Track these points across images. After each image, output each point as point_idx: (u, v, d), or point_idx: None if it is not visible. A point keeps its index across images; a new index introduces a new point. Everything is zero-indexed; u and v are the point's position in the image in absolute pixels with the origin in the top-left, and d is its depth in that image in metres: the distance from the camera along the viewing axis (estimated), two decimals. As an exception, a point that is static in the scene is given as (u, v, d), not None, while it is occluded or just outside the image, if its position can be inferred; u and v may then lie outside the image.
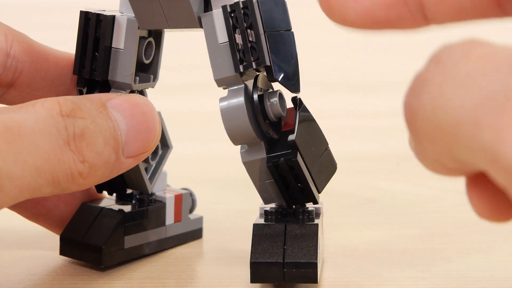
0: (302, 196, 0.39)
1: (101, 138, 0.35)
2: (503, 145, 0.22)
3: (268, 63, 0.37)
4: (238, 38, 0.37)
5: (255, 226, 0.38)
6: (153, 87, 0.42)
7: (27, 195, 0.33)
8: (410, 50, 1.06)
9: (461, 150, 0.24)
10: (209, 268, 0.42)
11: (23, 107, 0.34)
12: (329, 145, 0.40)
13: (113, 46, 0.40)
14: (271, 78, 0.37)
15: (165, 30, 0.41)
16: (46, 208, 0.42)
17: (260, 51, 0.37)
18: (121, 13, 0.40)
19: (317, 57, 1.06)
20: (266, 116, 0.38)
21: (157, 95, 0.43)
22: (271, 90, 0.39)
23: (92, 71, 0.40)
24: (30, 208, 0.42)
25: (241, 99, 0.38)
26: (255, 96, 0.38)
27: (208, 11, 0.38)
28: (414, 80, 0.26)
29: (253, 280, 0.37)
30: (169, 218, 0.44)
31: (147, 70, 0.41)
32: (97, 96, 0.37)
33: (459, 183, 0.28)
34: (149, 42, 0.41)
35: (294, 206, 0.39)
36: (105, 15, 0.40)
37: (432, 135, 0.25)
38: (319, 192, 0.40)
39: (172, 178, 0.45)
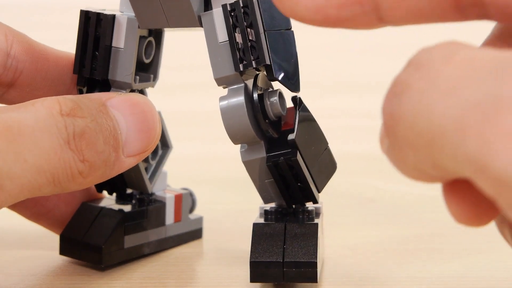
0: (302, 196, 0.39)
1: (101, 137, 0.35)
2: (492, 155, 0.22)
3: (268, 62, 0.37)
4: (238, 37, 0.37)
5: (255, 225, 0.38)
6: (153, 87, 0.42)
7: (27, 194, 0.33)
8: (411, 50, 1.06)
9: (445, 158, 0.23)
10: (209, 268, 0.42)
11: (23, 106, 0.34)
12: (329, 145, 0.40)
13: (113, 45, 0.40)
14: (271, 77, 0.37)
15: (165, 29, 0.41)
16: (46, 208, 0.42)
17: (260, 50, 0.37)
18: (121, 12, 0.40)
19: (317, 58, 1.06)
20: (266, 115, 0.38)
21: (157, 95, 0.43)
22: (271, 89, 0.39)
23: (92, 70, 0.40)
24: (30, 207, 0.42)
25: (241, 98, 0.38)
26: (255, 95, 0.38)
27: (208, 10, 0.38)
28: (393, 84, 0.25)
29: (253, 279, 0.37)
30: (169, 218, 0.44)
31: (147, 69, 0.41)
32: (97, 95, 0.37)
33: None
34: (149, 42, 0.41)
35: (294, 206, 0.39)
36: (105, 14, 0.40)
37: (413, 142, 0.24)
38: (319, 192, 0.40)
39: (172, 178, 0.45)
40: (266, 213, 0.39)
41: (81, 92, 0.41)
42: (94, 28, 0.40)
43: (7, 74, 0.40)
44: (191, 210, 0.45)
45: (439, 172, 0.24)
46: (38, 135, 0.33)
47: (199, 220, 0.46)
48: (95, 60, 0.40)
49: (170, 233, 0.44)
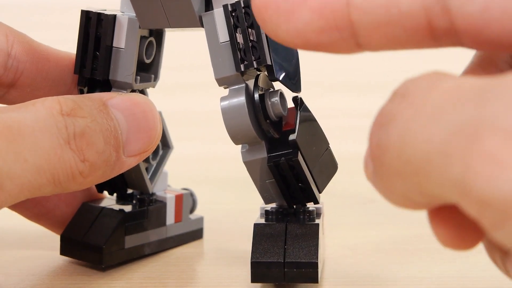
0: (303, 196, 0.39)
1: (102, 137, 0.35)
2: (474, 177, 0.22)
3: (269, 62, 0.37)
4: (239, 37, 0.37)
5: (256, 226, 0.38)
6: (154, 87, 0.42)
7: (27, 194, 0.33)
8: (411, 50, 1.06)
9: (431, 184, 0.24)
10: (209, 268, 0.42)
11: (23, 106, 0.34)
12: (330, 145, 0.40)
13: (114, 45, 0.40)
14: (272, 77, 0.37)
15: (166, 29, 0.41)
16: (46, 208, 0.42)
17: (261, 50, 0.37)
18: (122, 12, 0.40)
19: (318, 58, 1.06)
20: (267, 116, 0.38)
21: (157, 95, 0.43)
22: (272, 89, 0.39)
23: (93, 71, 0.40)
24: (31, 208, 0.42)
25: (242, 99, 0.38)
26: (256, 96, 0.38)
27: (209, 10, 0.38)
28: (378, 115, 0.26)
29: (254, 279, 0.37)
30: (170, 218, 0.44)
31: (148, 69, 0.41)
32: (97, 95, 0.37)
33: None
34: (150, 42, 0.41)
35: (295, 206, 0.39)
36: (106, 14, 0.40)
37: (401, 171, 0.25)
38: (320, 192, 0.40)
39: (172, 178, 0.45)
40: (267, 214, 0.39)
41: (82, 92, 0.40)
42: (95, 28, 0.40)
43: (8, 74, 0.40)
44: (192, 210, 0.45)
45: (427, 199, 0.25)
46: (38, 135, 0.33)
47: (200, 220, 0.46)
48: (96, 60, 0.40)
49: (171, 233, 0.44)
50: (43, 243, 0.44)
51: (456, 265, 0.42)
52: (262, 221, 0.39)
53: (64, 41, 0.50)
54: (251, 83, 0.38)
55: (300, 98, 0.39)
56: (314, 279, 0.37)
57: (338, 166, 0.41)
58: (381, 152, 0.25)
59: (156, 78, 0.42)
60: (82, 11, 0.40)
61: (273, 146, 0.39)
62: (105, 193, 0.44)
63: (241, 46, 0.37)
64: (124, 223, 0.41)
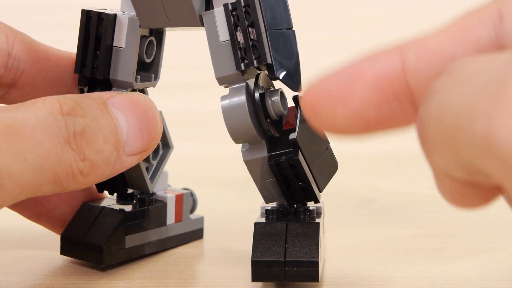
0: (303, 195, 0.39)
1: (102, 136, 0.35)
2: (497, 129, 0.22)
3: (269, 61, 0.37)
4: (240, 36, 0.37)
5: (256, 225, 0.38)
6: (154, 86, 0.42)
7: (28, 193, 0.33)
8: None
9: (463, 149, 0.23)
10: (209, 268, 0.42)
11: (24, 105, 0.34)
12: (330, 144, 0.40)
13: (114, 44, 0.40)
14: (272, 76, 0.37)
15: (166, 29, 0.41)
16: (47, 208, 0.42)
17: (261, 49, 0.37)
18: (123, 11, 0.40)
19: (319, 57, 1.06)
20: (267, 115, 0.38)
21: (158, 94, 0.43)
22: (272, 88, 0.39)
23: (94, 70, 0.40)
24: (31, 208, 0.42)
25: (242, 98, 0.38)
26: (257, 95, 0.38)
27: (209, 10, 0.38)
28: (428, 93, 0.25)
29: (254, 278, 0.37)
30: (170, 218, 0.44)
31: (148, 69, 0.41)
32: (97, 95, 0.37)
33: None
34: (151, 41, 0.41)
35: (295, 205, 0.39)
36: (107, 14, 0.40)
37: (438, 141, 0.24)
38: (320, 191, 0.40)
39: (173, 178, 0.45)
40: (267, 213, 0.39)
41: (82, 91, 0.41)
42: (95, 28, 0.40)
43: (9, 74, 0.40)
44: (192, 210, 0.45)
45: (463, 171, 0.24)
46: (38, 134, 0.33)
47: (200, 220, 0.46)
48: (96, 60, 0.40)
49: (171, 233, 0.44)
50: (43, 243, 0.44)
51: (456, 265, 0.42)
52: (263, 220, 0.39)
53: (64, 41, 0.50)
54: (251, 82, 0.38)
55: (301, 97, 0.39)
56: (315, 278, 0.37)
57: (339, 165, 0.41)
58: (423, 127, 0.25)
59: (156, 77, 0.42)
60: (83, 11, 0.40)
61: (274, 145, 0.39)
62: (106, 193, 0.44)
63: (241, 45, 0.37)
64: (125, 222, 0.41)
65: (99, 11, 0.40)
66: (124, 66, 0.40)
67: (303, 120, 0.39)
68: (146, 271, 0.41)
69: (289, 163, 0.38)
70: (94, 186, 0.43)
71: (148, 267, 0.42)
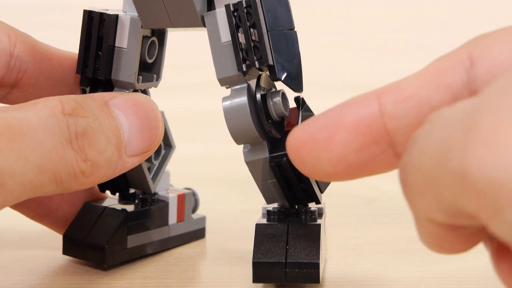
0: (304, 196, 0.39)
1: (103, 136, 0.35)
2: (470, 162, 0.22)
3: (271, 62, 0.37)
4: (241, 37, 0.37)
5: (258, 226, 0.38)
6: (156, 87, 0.42)
7: (29, 193, 0.33)
8: (412, 50, 1.06)
9: (443, 189, 0.24)
10: (210, 268, 0.42)
11: (25, 106, 0.34)
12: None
13: (116, 45, 0.40)
14: (274, 77, 0.37)
15: (168, 29, 0.41)
16: (49, 208, 0.42)
17: (263, 50, 0.37)
18: (125, 12, 0.40)
19: (320, 58, 1.06)
20: (269, 116, 0.38)
21: (159, 95, 0.43)
22: (274, 89, 0.39)
23: (95, 70, 0.40)
24: (33, 208, 0.42)
25: (244, 99, 0.38)
26: (258, 96, 0.38)
27: (211, 10, 0.38)
28: (408, 142, 0.26)
29: (255, 280, 0.37)
30: (172, 217, 0.44)
31: (150, 69, 0.41)
32: (99, 95, 0.37)
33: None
34: (152, 42, 0.41)
35: (296, 206, 0.40)
36: (109, 14, 0.40)
37: (420, 186, 0.25)
38: (321, 192, 0.40)
39: (174, 178, 0.45)
40: (268, 214, 0.39)
41: (84, 92, 0.41)
42: (97, 28, 0.40)
43: (11, 74, 0.40)
44: (194, 210, 0.45)
45: (446, 214, 0.25)
46: (40, 134, 0.33)
47: (202, 219, 0.46)
48: (98, 60, 0.40)
49: (173, 233, 0.44)
50: (44, 243, 0.44)
51: (456, 265, 0.42)
52: (264, 221, 0.39)
53: (65, 41, 0.50)
54: (253, 83, 0.38)
55: (302, 98, 0.39)
56: (316, 279, 0.37)
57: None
58: (405, 174, 0.26)
59: (158, 78, 0.42)
60: (85, 11, 0.40)
61: (275, 146, 0.39)
62: (107, 192, 0.44)
63: (243, 46, 0.37)
64: (127, 222, 0.41)
65: (101, 11, 0.40)
66: (126, 67, 0.40)
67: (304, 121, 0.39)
68: (147, 271, 0.41)
69: (291, 164, 0.38)
70: (96, 186, 0.43)
71: (148, 267, 0.42)
